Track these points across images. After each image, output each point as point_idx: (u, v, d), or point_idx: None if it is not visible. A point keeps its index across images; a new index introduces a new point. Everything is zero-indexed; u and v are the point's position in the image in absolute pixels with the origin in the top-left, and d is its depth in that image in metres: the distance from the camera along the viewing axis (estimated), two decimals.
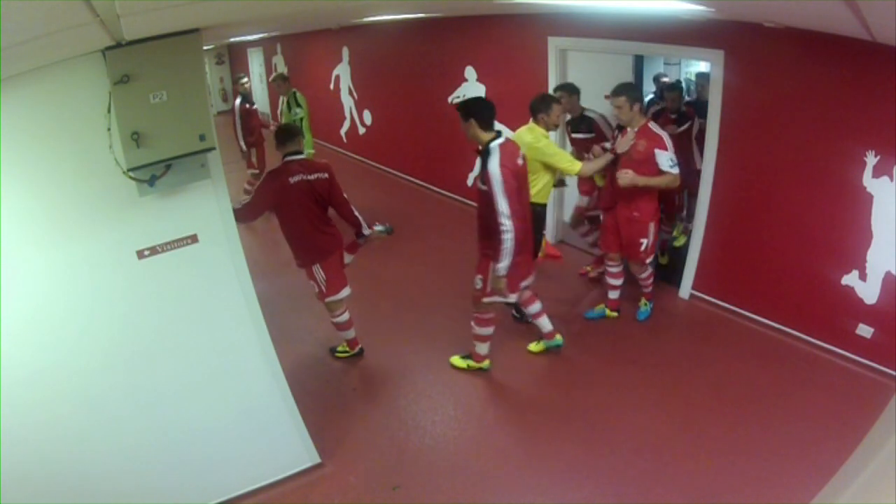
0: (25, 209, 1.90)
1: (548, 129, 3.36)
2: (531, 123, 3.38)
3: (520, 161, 2.90)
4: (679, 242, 4.70)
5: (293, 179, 3.07)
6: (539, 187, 3.36)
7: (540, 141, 3.29)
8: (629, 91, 3.31)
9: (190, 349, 2.35)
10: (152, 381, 2.31)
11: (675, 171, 3.30)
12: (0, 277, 1.92)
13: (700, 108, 4.27)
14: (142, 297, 2.18)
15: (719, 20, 3.22)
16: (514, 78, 4.98)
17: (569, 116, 4.00)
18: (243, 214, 2.94)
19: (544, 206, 3.54)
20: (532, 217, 3.13)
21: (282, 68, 9.97)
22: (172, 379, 2.34)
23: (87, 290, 2.09)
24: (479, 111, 2.84)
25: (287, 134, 3.18)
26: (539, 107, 3.35)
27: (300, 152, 3.19)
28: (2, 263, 1.91)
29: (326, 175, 3.19)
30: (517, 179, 2.84)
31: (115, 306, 2.15)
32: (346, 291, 3.40)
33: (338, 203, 3.28)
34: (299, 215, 3.14)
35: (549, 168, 3.35)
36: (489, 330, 3.34)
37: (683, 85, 5.14)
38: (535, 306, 3.49)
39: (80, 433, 2.23)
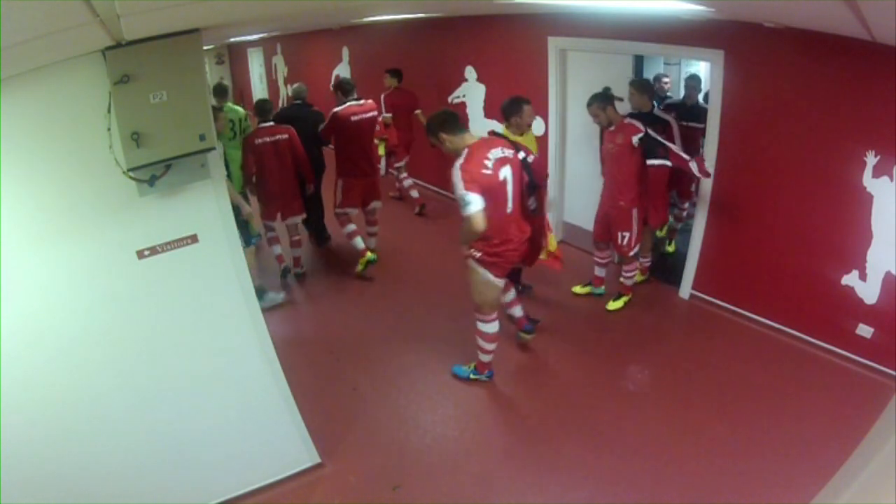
0: (25, 209, 1.90)
1: (521, 132, 3.46)
2: (504, 128, 3.47)
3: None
4: (670, 248, 4.67)
5: (258, 141, 4.27)
6: None
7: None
8: (435, 125, 2.83)
9: (190, 349, 2.34)
10: (152, 381, 2.31)
11: (466, 211, 2.66)
12: (0, 277, 1.92)
13: (684, 113, 4.21)
14: (142, 298, 2.18)
15: (719, 20, 3.22)
16: (514, 78, 4.99)
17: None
18: (245, 174, 4.40)
19: None
20: None
21: (282, 68, 9.97)
22: (172, 379, 2.34)
23: (87, 290, 2.09)
24: (342, 86, 4.32)
25: (261, 108, 4.45)
26: (510, 110, 3.44)
27: (269, 121, 4.36)
28: (1, 264, 1.91)
29: (287, 136, 4.35)
30: (347, 131, 4.31)
31: (114, 306, 2.15)
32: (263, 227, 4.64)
33: (299, 157, 4.46)
34: (267, 167, 4.36)
35: None
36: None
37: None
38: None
39: (80, 433, 2.23)
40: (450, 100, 5.83)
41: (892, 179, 2.84)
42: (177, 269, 2.19)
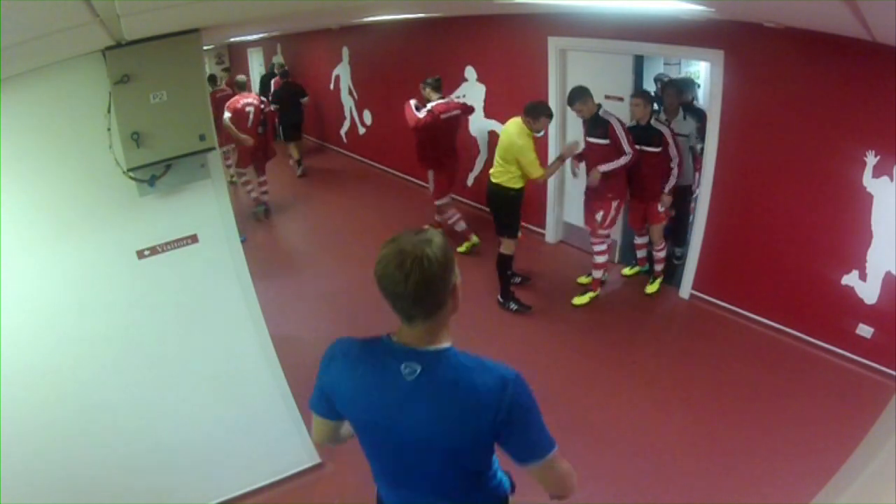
0: (25, 210, 1.90)
1: (531, 132, 3.66)
2: (520, 119, 3.67)
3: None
4: (651, 289, 4.19)
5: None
6: (512, 174, 3.76)
7: (521, 139, 3.63)
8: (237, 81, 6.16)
9: (190, 349, 2.34)
10: (152, 381, 2.31)
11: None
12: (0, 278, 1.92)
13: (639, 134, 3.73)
14: (142, 298, 2.18)
15: (719, 20, 3.22)
16: (514, 78, 4.99)
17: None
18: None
19: (519, 189, 3.82)
20: (507, 197, 3.83)
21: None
22: (172, 379, 2.35)
23: (87, 290, 2.09)
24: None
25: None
26: (530, 112, 3.62)
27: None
28: (1, 264, 1.91)
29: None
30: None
31: (114, 306, 2.15)
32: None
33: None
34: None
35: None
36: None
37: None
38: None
39: (80, 433, 2.23)
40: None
41: (892, 179, 2.84)
42: (177, 270, 2.19)
